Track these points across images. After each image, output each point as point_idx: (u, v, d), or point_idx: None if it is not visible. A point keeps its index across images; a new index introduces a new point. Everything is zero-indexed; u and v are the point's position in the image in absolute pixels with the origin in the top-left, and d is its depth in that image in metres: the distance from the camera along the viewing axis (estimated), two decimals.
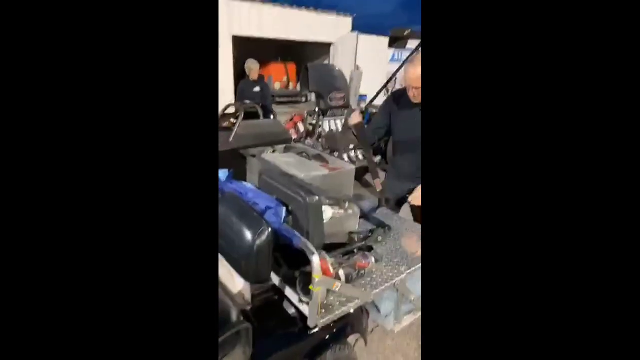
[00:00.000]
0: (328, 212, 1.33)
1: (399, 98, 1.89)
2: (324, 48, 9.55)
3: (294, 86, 10.37)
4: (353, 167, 1.55)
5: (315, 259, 1.04)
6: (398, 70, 4.65)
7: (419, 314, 1.65)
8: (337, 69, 3.95)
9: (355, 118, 1.87)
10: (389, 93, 4.84)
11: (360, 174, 3.98)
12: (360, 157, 3.67)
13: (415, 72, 1.65)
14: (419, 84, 1.66)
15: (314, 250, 1.04)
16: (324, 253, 1.17)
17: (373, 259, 1.36)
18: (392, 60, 8.62)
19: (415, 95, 1.73)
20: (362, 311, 1.38)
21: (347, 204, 1.47)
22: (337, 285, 1.15)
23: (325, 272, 1.11)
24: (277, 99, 8.93)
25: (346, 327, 1.30)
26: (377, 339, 1.81)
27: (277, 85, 9.29)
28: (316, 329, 1.11)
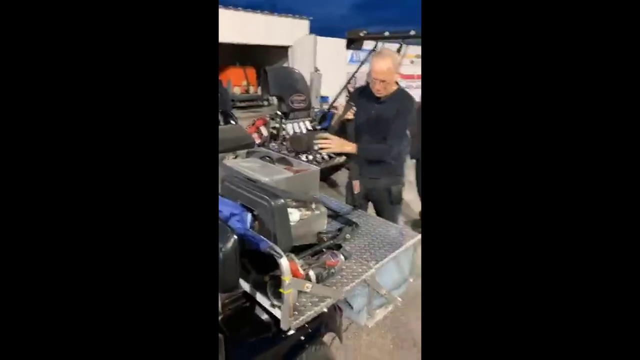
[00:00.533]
0: (295, 214, 1.33)
1: (361, 92, 1.95)
2: (282, 51, 9.55)
3: (255, 90, 10.27)
4: (317, 168, 1.56)
5: (284, 262, 1.04)
6: (356, 70, 4.75)
7: (391, 306, 1.70)
8: (296, 71, 3.96)
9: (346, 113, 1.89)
10: (350, 94, 4.90)
11: (326, 175, 4.01)
12: (327, 157, 3.70)
13: (381, 64, 1.68)
14: (383, 77, 1.70)
15: (281, 253, 1.04)
16: (292, 255, 1.17)
17: (342, 257, 1.38)
18: (351, 61, 8.79)
19: (379, 89, 1.76)
20: (335, 309, 1.40)
21: (314, 205, 1.48)
22: (307, 286, 1.15)
23: (294, 273, 1.11)
24: (238, 104, 8.80)
25: (320, 326, 1.31)
26: (353, 336, 1.84)
27: (236, 90, 9.15)
28: (290, 332, 1.11)
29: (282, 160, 1.63)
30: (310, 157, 3.57)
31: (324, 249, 1.39)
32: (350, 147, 1.77)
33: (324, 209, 1.49)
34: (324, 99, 6.60)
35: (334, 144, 1.78)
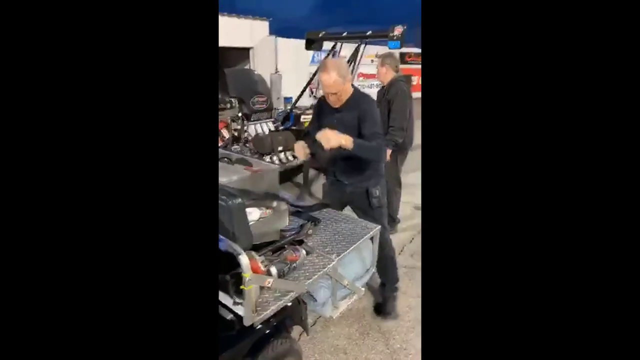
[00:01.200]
0: (255, 213, 1.36)
1: (321, 103, 1.90)
2: (243, 53, 9.43)
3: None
4: (276, 167, 1.59)
5: (243, 259, 1.06)
6: (316, 71, 4.82)
7: (355, 296, 1.76)
8: (256, 72, 3.96)
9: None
10: (313, 94, 4.93)
11: (291, 175, 4.03)
12: (291, 157, 3.73)
13: (326, 78, 1.63)
14: (333, 90, 1.65)
15: (240, 250, 1.07)
16: (252, 252, 1.20)
17: (304, 252, 1.43)
18: (313, 62, 8.86)
19: (333, 101, 1.72)
20: (299, 303, 1.44)
21: (274, 203, 1.51)
22: (269, 282, 1.18)
23: (255, 270, 1.14)
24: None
25: (285, 320, 1.34)
26: (321, 328, 1.88)
27: None
28: (253, 328, 1.14)
29: (242, 161, 1.64)
30: (275, 157, 3.59)
31: (285, 245, 1.43)
32: (345, 141, 1.58)
33: (285, 207, 1.52)
34: (288, 99, 6.61)
35: (332, 136, 1.58)
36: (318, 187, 1.97)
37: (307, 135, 2.03)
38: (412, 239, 2.87)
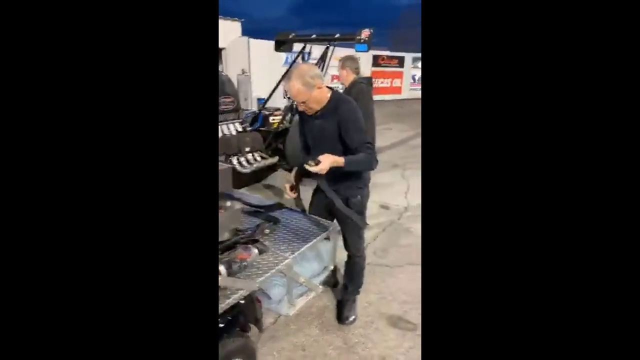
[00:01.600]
0: None
1: (303, 111, 1.75)
2: None
3: None
4: (228, 166, 1.60)
5: None
6: (286, 72, 4.84)
7: (312, 294, 1.79)
8: (223, 74, 3.93)
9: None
10: (287, 96, 4.92)
11: (262, 176, 4.03)
12: (258, 158, 3.72)
13: (290, 87, 1.55)
14: (299, 99, 1.56)
15: None
16: None
17: (255, 250, 1.44)
18: (286, 63, 8.86)
19: (306, 110, 1.63)
20: (252, 301, 1.45)
21: (228, 203, 1.52)
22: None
23: None
24: None
25: (237, 318, 1.35)
26: (281, 327, 1.90)
27: None
28: None
29: None
30: (242, 158, 3.58)
31: (237, 244, 1.44)
32: (340, 160, 1.55)
33: (238, 206, 1.54)
34: (261, 101, 6.59)
35: (324, 165, 1.53)
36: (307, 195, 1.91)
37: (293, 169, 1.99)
38: (377, 237, 2.94)
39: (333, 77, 8.72)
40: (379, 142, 5.85)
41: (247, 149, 3.58)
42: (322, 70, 4.70)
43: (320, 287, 1.81)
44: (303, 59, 4.84)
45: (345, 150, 1.62)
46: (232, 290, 1.27)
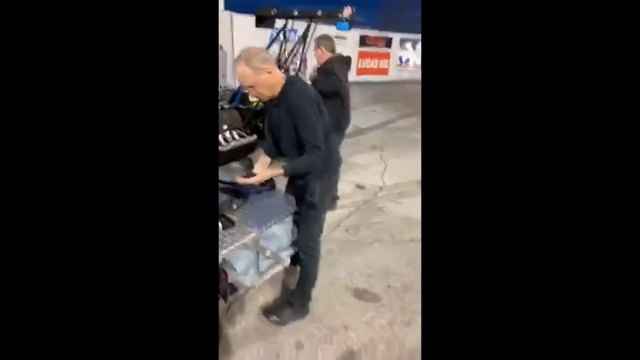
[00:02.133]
0: None
1: None
2: None
3: None
4: None
5: None
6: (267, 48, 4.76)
7: (279, 267, 1.87)
8: None
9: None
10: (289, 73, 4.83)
11: (240, 154, 4.02)
12: (236, 136, 3.72)
13: (238, 70, 1.47)
14: (245, 82, 1.51)
15: None
16: None
17: (220, 225, 1.49)
18: (270, 40, 8.67)
19: (256, 96, 1.59)
20: (219, 272, 1.51)
21: None
22: None
23: None
24: None
25: None
26: (250, 299, 1.98)
27: None
28: None
29: None
30: (220, 136, 3.57)
31: None
32: (276, 172, 1.60)
33: None
34: None
35: (259, 178, 1.60)
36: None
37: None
38: (350, 214, 3.02)
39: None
40: (361, 124, 5.90)
41: (225, 127, 3.57)
42: (303, 48, 4.65)
43: (287, 260, 1.89)
44: (285, 36, 4.77)
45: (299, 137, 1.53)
46: None
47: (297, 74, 5.05)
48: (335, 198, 3.15)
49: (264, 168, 1.62)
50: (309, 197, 1.65)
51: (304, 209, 1.73)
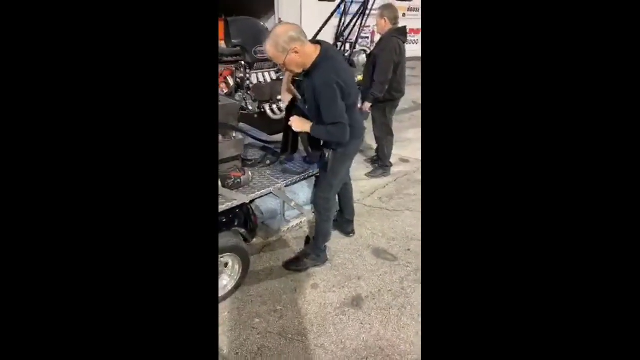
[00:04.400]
0: None
1: None
2: (268, 2, 9.35)
3: None
4: (235, 102, 1.89)
5: None
6: (324, 24, 4.87)
7: (304, 218, 2.12)
8: (260, 23, 4.10)
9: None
10: (345, 46, 4.94)
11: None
12: None
13: (266, 49, 1.58)
14: (276, 61, 1.61)
15: None
16: None
17: (249, 173, 1.77)
18: (339, 13, 8.66)
19: (286, 71, 1.69)
20: (248, 212, 1.80)
21: (234, 134, 1.84)
22: None
23: None
24: (224, 59, 8.81)
25: (231, 220, 1.71)
26: (275, 246, 2.26)
27: (222, 44, 9.12)
28: None
29: None
30: (274, 105, 3.86)
31: (235, 166, 1.78)
32: (307, 126, 1.68)
33: (240, 137, 1.85)
34: None
35: (297, 123, 1.73)
36: None
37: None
38: (386, 185, 3.13)
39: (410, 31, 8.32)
40: (412, 96, 5.72)
41: (279, 97, 3.84)
42: (363, 18, 4.66)
43: (311, 214, 2.12)
44: (345, 8, 4.80)
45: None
46: (226, 199, 1.63)
47: (354, 46, 5.10)
48: (388, 165, 3.27)
49: (296, 120, 1.73)
50: (323, 161, 1.82)
51: (320, 171, 1.93)
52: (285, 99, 1.84)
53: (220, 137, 1.74)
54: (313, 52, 1.58)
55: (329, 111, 1.57)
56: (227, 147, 1.76)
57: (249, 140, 2.25)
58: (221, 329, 1.66)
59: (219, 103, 1.85)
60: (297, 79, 1.85)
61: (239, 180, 1.68)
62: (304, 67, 1.61)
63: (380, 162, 3.32)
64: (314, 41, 1.64)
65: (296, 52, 1.52)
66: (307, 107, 1.75)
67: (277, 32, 1.53)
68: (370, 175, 3.28)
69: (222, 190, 1.60)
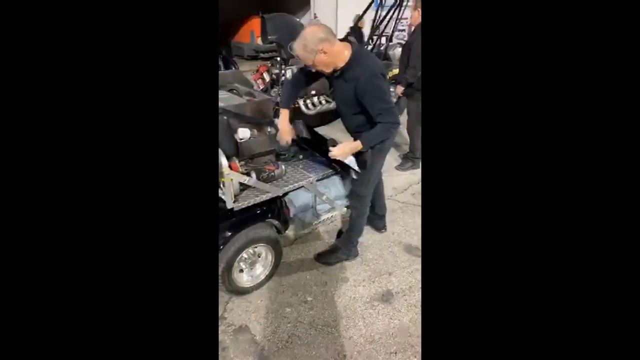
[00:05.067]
0: (245, 132, 1.75)
1: None
2: None
3: None
4: (268, 97, 1.94)
5: (223, 160, 1.49)
6: (360, 18, 4.81)
7: (336, 212, 2.14)
8: (295, 19, 4.15)
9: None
10: (381, 40, 4.91)
11: (324, 119, 4.30)
12: (323, 102, 4.00)
13: (295, 49, 1.59)
14: (306, 62, 1.61)
15: (220, 154, 1.49)
16: (233, 158, 1.62)
17: (283, 167, 1.82)
18: (375, 6, 8.52)
19: (320, 71, 1.65)
20: (281, 205, 1.85)
21: (268, 128, 1.90)
22: (245, 179, 1.61)
23: (234, 169, 1.57)
24: (262, 55, 9.01)
25: (265, 212, 1.77)
26: (307, 239, 2.31)
27: (259, 41, 9.31)
28: (233, 211, 1.59)
29: (248, 94, 2.02)
30: (308, 100, 3.90)
31: (269, 159, 1.83)
32: (355, 145, 1.67)
33: (274, 132, 1.90)
34: None
35: (340, 151, 1.70)
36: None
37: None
38: (420, 181, 3.07)
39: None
40: None
41: (313, 92, 3.87)
42: (399, 12, 4.56)
43: (343, 208, 2.14)
44: (381, 2, 4.72)
45: (364, 111, 1.63)
46: (260, 191, 1.69)
47: (390, 39, 5.01)
48: (417, 156, 3.23)
49: (346, 144, 1.72)
50: (362, 164, 1.81)
51: (356, 173, 1.92)
52: (285, 138, 1.78)
53: (255, 131, 1.80)
54: (342, 51, 1.58)
55: (380, 101, 1.57)
56: (262, 141, 1.82)
57: None
58: (254, 316, 1.73)
59: (255, 99, 1.92)
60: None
61: (273, 173, 1.74)
62: (334, 67, 1.61)
63: (411, 155, 3.27)
64: (344, 39, 1.63)
65: (325, 53, 1.53)
66: (340, 108, 1.76)
67: (305, 35, 1.55)
68: (400, 168, 3.25)
69: (256, 183, 1.66)
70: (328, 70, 1.62)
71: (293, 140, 1.86)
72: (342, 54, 1.58)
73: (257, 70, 4.16)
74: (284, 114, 1.78)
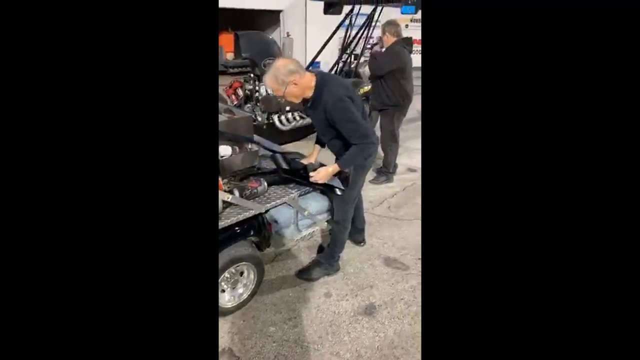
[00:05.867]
0: (227, 149, 1.74)
1: None
2: (274, 16, 9.56)
3: None
4: (249, 115, 1.95)
5: None
6: (330, 37, 4.97)
7: (317, 227, 2.15)
8: (269, 36, 4.22)
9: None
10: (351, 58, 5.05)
11: (298, 135, 4.33)
12: (298, 118, 4.05)
13: (269, 85, 1.66)
14: (276, 94, 1.68)
15: None
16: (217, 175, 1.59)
17: (265, 184, 1.81)
18: (344, 25, 8.83)
19: (289, 102, 1.75)
20: (263, 221, 1.84)
21: (249, 145, 1.89)
22: (229, 197, 1.59)
23: (218, 187, 1.54)
24: (230, 70, 8.98)
25: (247, 230, 1.74)
26: (288, 256, 2.30)
27: (229, 56, 9.29)
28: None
29: (227, 111, 2.01)
30: (282, 117, 3.93)
31: (251, 177, 1.82)
32: (333, 168, 1.74)
33: (255, 148, 1.90)
34: (316, 64, 6.79)
35: (320, 176, 1.75)
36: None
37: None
38: (394, 194, 3.16)
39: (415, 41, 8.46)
40: (418, 106, 5.80)
41: (287, 108, 3.91)
42: (368, 31, 4.76)
43: (324, 222, 2.16)
44: (351, 21, 4.91)
45: (340, 135, 1.69)
46: (243, 209, 1.67)
47: (359, 57, 5.19)
48: (391, 171, 3.33)
49: (320, 171, 1.77)
50: (343, 177, 1.84)
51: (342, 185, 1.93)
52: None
53: (236, 148, 1.79)
54: (310, 81, 1.67)
55: (349, 124, 1.64)
56: (242, 158, 1.81)
57: (262, 151, 2.31)
58: (238, 337, 1.68)
59: (235, 116, 1.91)
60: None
61: (255, 190, 1.73)
62: (303, 97, 1.70)
63: (384, 169, 3.37)
64: (310, 71, 1.73)
65: (295, 84, 1.61)
66: (320, 135, 1.88)
67: (276, 67, 1.61)
68: (373, 182, 3.33)
69: (239, 201, 1.64)
70: (297, 100, 1.71)
71: (274, 172, 1.91)
72: (310, 84, 1.66)
73: (231, 86, 4.15)
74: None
